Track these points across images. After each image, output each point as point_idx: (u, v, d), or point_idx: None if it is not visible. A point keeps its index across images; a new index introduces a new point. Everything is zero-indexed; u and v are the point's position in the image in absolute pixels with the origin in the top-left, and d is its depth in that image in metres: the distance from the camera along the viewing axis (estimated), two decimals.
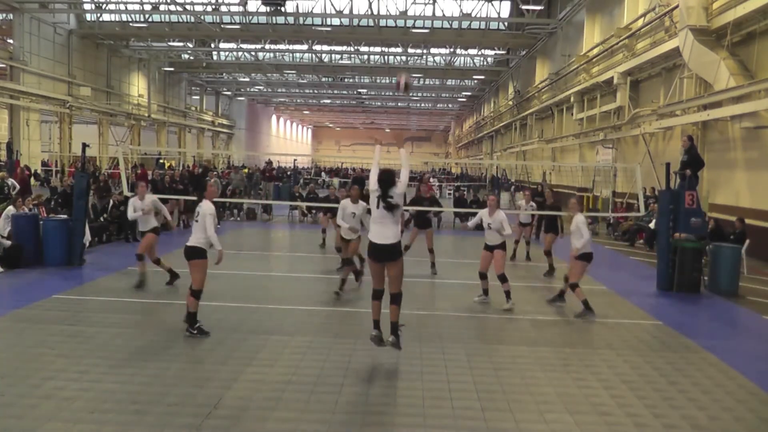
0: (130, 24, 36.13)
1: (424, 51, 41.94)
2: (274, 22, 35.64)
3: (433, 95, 65.34)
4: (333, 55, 44.14)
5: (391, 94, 64.58)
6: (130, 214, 9.84)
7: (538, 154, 37.48)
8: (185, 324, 7.32)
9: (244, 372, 6.09)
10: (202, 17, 34.18)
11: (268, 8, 32.33)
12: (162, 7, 34.17)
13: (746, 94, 14.54)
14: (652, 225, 15.60)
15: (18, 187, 17.73)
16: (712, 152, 17.23)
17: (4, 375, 5.82)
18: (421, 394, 5.70)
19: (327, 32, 36.71)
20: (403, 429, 4.98)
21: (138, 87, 44.51)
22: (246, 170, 36.81)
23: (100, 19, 36.53)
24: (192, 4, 33.51)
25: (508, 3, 34.91)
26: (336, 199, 13.66)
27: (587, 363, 6.75)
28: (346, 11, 33.35)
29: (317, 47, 41.48)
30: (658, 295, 10.57)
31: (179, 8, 33.36)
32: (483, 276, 9.44)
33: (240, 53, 44.95)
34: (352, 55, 43.62)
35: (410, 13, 33.74)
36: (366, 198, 8.33)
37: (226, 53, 45.79)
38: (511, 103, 45.18)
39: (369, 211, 7.00)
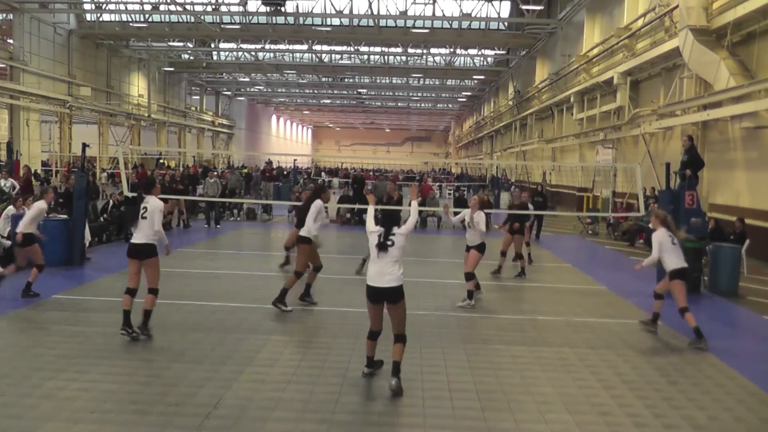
0: (130, 24, 36.14)
1: (424, 51, 41.94)
2: (274, 22, 35.64)
3: (433, 95, 65.34)
4: (333, 55, 44.14)
5: (391, 94, 64.62)
6: None
7: (538, 154, 37.49)
8: (124, 324, 7.03)
9: (244, 372, 6.10)
10: (202, 17, 34.17)
11: (268, 8, 32.34)
12: (162, 7, 34.18)
13: (746, 94, 14.54)
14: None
15: (18, 187, 17.72)
16: (712, 152, 17.23)
17: (4, 375, 5.82)
18: (421, 394, 5.70)
19: (327, 32, 36.71)
20: (403, 429, 4.98)
21: (138, 87, 44.51)
22: (245, 170, 36.82)
23: (100, 19, 36.53)
24: (192, 4, 33.51)
25: (508, 3, 34.91)
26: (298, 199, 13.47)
27: (587, 363, 6.75)
28: (346, 11, 33.35)
29: (317, 47, 41.48)
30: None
31: (179, 8, 33.35)
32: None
33: (240, 53, 44.96)
34: (352, 55, 43.62)
35: (410, 13, 33.74)
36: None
37: (226, 53, 45.80)
38: (511, 103, 45.18)
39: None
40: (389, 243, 5.81)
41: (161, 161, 41.32)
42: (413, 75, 49.70)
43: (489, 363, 6.66)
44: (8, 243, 11.10)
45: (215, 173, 22.39)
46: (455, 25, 35.68)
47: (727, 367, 6.73)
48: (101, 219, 15.03)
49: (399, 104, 73.90)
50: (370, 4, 33.06)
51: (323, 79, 54.17)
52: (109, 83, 40.27)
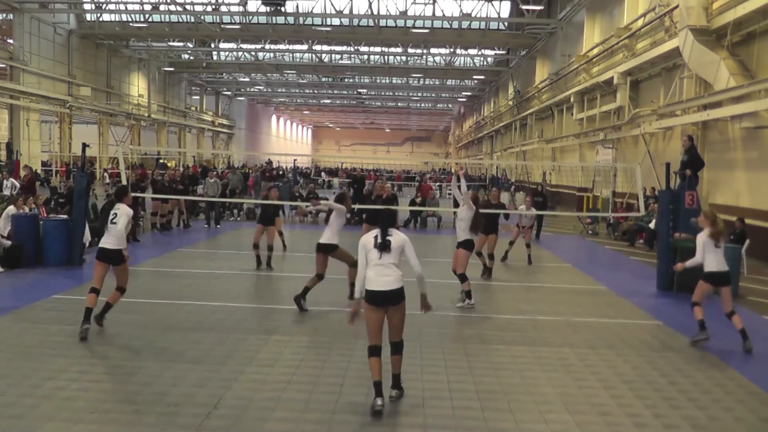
0: (130, 24, 36.16)
1: (424, 51, 41.95)
2: (274, 22, 35.66)
3: (433, 95, 65.35)
4: (333, 55, 44.16)
5: (391, 94, 64.64)
6: None
7: (538, 154, 37.49)
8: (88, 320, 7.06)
9: (244, 372, 6.09)
10: (202, 17, 34.19)
11: (268, 8, 32.36)
12: (162, 7, 34.21)
13: (746, 94, 14.54)
14: (652, 225, 15.59)
15: (18, 186, 17.74)
16: (712, 152, 17.23)
17: (4, 375, 5.82)
18: (421, 394, 5.69)
19: (327, 32, 36.73)
20: (403, 429, 4.98)
21: (138, 87, 44.53)
22: (244, 170, 36.82)
23: (100, 19, 36.56)
24: (192, 4, 33.52)
25: (508, 3, 34.93)
26: (266, 197, 13.67)
27: (587, 363, 6.75)
28: (346, 11, 33.36)
29: (317, 47, 41.50)
30: (658, 295, 10.57)
31: (179, 8, 33.38)
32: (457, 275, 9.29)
33: (240, 53, 44.98)
34: (352, 55, 43.65)
35: (410, 13, 33.76)
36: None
37: (226, 53, 45.82)
38: (511, 103, 45.19)
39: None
40: (389, 241, 5.52)
41: (161, 161, 41.35)
42: (413, 75, 49.72)
43: (489, 363, 6.66)
44: (8, 243, 11.11)
45: (215, 173, 22.40)
46: (455, 25, 35.69)
47: (727, 367, 6.73)
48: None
49: (399, 104, 73.96)
50: (370, 4, 33.07)
51: (323, 79, 54.20)
52: (109, 83, 40.29)
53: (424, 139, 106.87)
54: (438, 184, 37.92)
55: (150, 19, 36.39)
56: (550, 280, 11.84)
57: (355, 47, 41.03)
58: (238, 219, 20.87)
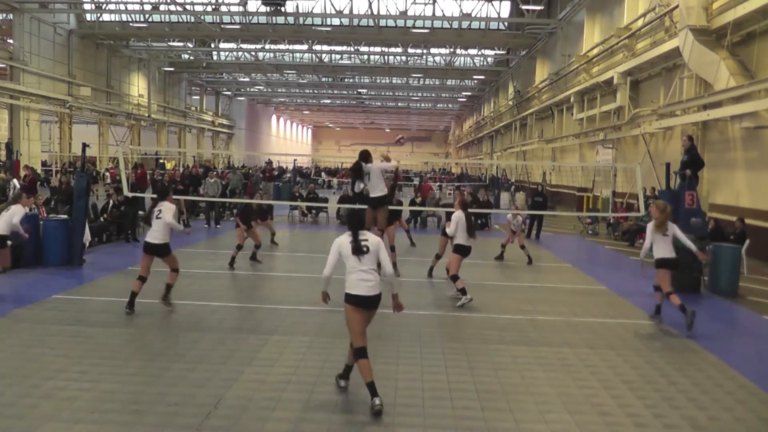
0: (130, 24, 36.15)
1: (424, 51, 41.94)
2: (274, 22, 35.65)
3: (433, 95, 65.35)
4: (333, 55, 44.15)
5: (391, 94, 64.63)
6: None
7: (538, 154, 37.49)
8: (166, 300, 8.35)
9: (244, 372, 6.10)
10: (202, 17, 34.18)
11: (268, 8, 32.34)
12: (162, 7, 34.20)
13: (746, 94, 14.54)
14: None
15: (19, 186, 17.72)
16: (712, 152, 17.23)
17: (4, 375, 5.82)
18: (421, 394, 5.70)
19: (327, 32, 36.72)
20: (403, 429, 4.98)
21: (138, 87, 44.53)
22: (244, 170, 36.84)
23: (100, 19, 36.55)
24: (192, 4, 33.52)
25: (508, 3, 34.91)
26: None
27: (587, 363, 6.75)
28: (346, 11, 33.36)
29: (317, 47, 41.49)
30: None
31: (179, 8, 33.36)
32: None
33: (240, 53, 44.97)
34: (352, 55, 43.63)
35: (410, 13, 33.75)
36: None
37: (226, 53, 45.81)
38: (511, 103, 45.19)
39: None
40: (364, 245, 5.47)
41: (161, 161, 41.38)
42: (413, 75, 49.71)
43: (489, 363, 6.66)
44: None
45: (215, 173, 22.40)
46: (455, 25, 35.69)
47: (727, 367, 6.73)
48: (101, 219, 15.03)
49: (399, 104, 73.91)
50: (370, 4, 33.07)
51: (323, 79, 54.18)
52: (109, 83, 40.29)
53: (424, 139, 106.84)
54: (438, 184, 37.93)
55: (150, 19, 36.38)
56: (550, 280, 11.84)
57: (355, 47, 41.03)
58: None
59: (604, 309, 9.41)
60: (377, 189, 9.76)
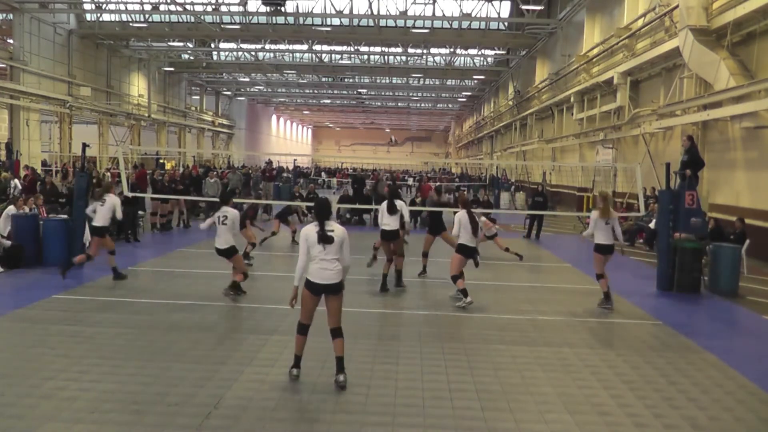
0: (130, 24, 36.12)
1: (424, 51, 41.93)
2: (274, 22, 35.64)
3: (433, 95, 65.34)
4: (333, 55, 44.14)
5: (391, 94, 64.62)
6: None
7: (538, 154, 37.49)
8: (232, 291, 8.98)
9: (244, 372, 6.10)
10: (202, 17, 34.17)
11: (268, 8, 32.32)
12: (162, 7, 34.17)
13: (746, 94, 14.54)
14: (652, 225, 15.60)
15: (20, 187, 17.74)
16: (712, 152, 17.23)
17: (4, 375, 5.82)
18: (421, 394, 5.70)
19: (327, 32, 36.70)
20: (403, 429, 4.98)
21: (138, 87, 44.51)
22: (245, 170, 36.82)
23: (100, 19, 36.52)
24: (192, 4, 33.50)
25: (508, 3, 34.91)
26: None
27: (587, 363, 6.75)
28: (346, 11, 33.34)
29: (317, 47, 41.48)
30: (658, 295, 10.57)
31: (179, 8, 33.35)
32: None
33: (240, 53, 44.96)
34: (352, 55, 43.61)
35: (410, 13, 33.73)
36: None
37: (226, 53, 45.80)
38: (511, 103, 45.19)
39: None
40: (330, 235, 5.74)
41: (161, 161, 41.36)
42: (413, 75, 49.70)
43: (489, 363, 6.66)
44: (8, 243, 11.10)
45: (215, 173, 22.39)
46: (455, 25, 35.67)
47: (727, 367, 6.73)
48: None
49: (399, 104, 73.90)
50: (370, 4, 33.06)
51: (323, 79, 54.17)
52: (109, 83, 40.27)
53: (424, 139, 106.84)
54: (438, 183, 37.89)
55: (150, 19, 36.35)
56: (550, 280, 11.84)
57: (355, 47, 41.01)
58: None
59: (604, 309, 9.40)
60: (392, 224, 10.33)
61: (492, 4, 34.76)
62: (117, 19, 36.68)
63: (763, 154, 14.94)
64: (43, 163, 35.66)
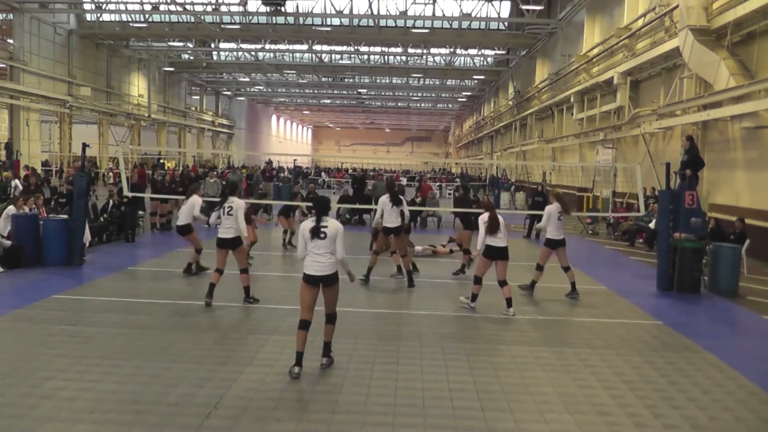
0: (130, 24, 36.13)
1: (424, 51, 41.94)
2: (274, 22, 35.64)
3: (433, 95, 65.34)
4: (333, 55, 44.15)
5: (391, 94, 64.63)
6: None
7: (538, 154, 37.48)
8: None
9: (244, 372, 6.10)
10: (202, 17, 34.17)
11: (268, 8, 32.33)
12: (162, 7, 34.18)
13: (746, 94, 14.53)
14: (652, 225, 15.59)
15: (20, 187, 17.73)
16: (712, 152, 17.23)
17: (4, 375, 5.82)
18: (421, 394, 5.70)
19: (327, 32, 36.72)
20: (403, 429, 4.98)
21: (138, 87, 44.52)
22: (245, 170, 36.83)
23: (100, 19, 36.54)
24: (192, 4, 33.51)
25: (508, 3, 34.91)
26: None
27: (587, 363, 6.75)
28: (346, 11, 33.34)
29: (317, 47, 41.49)
30: (658, 295, 10.57)
31: (179, 8, 33.36)
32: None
33: (240, 53, 44.97)
34: (352, 55, 43.62)
35: (410, 13, 33.74)
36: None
37: (226, 53, 45.81)
38: (511, 103, 45.18)
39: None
40: (323, 231, 6.13)
41: (160, 161, 41.35)
42: (413, 75, 49.70)
43: (489, 363, 6.66)
44: (8, 243, 11.10)
45: (215, 173, 22.38)
46: (455, 25, 35.68)
47: (727, 367, 6.73)
48: (101, 219, 15.03)
49: (399, 104, 73.91)
50: (370, 4, 33.06)
51: (323, 79, 54.18)
52: (109, 83, 40.28)
53: (424, 139, 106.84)
54: (438, 184, 37.93)
55: (150, 19, 36.36)
56: (551, 280, 11.82)
57: (355, 47, 41.02)
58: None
59: (604, 309, 9.41)
60: (394, 220, 10.56)
61: (492, 4, 34.77)
62: (117, 19, 36.69)
63: (763, 154, 14.94)
64: (43, 163, 35.69)
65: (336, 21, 35.75)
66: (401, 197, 10.96)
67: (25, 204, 12.39)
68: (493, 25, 36.29)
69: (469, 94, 60.87)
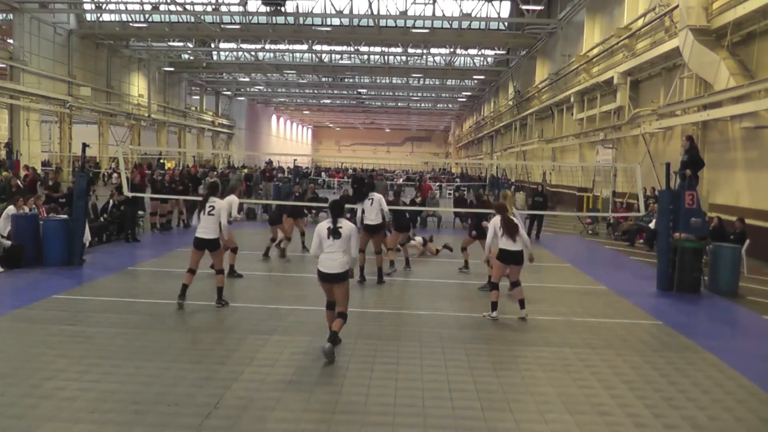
0: (130, 24, 36.14)
1: (424, 51, 41.94)
2: (274, 22, 35.65)
3: (433, 95, 65.34)
4: (333, 55, 44.15)
5: (391, 94, 64.62)
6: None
7: (538, 154, 37.48)
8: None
9: (244, 372, 6.09)
10: (202, 17, 34.18)
11: (268, 8, 32.33)
12: (162, 7, 34.19)
13: (746, 94, 14.53)
14: (652, 225, 15.59)
15: (21, 187, 17.71)
16: (712, 152, 17.23)
17: (4, 375, 5.82)
18: (421, 394, 5.70)
19: (327, 32, 36.72)
20: (403, 429, 4.98)
21: (138, 87, 44.52)
22: (245, 170, 36.83)
23: (100, 19, 36.55)
24: (192, 4, 33.51)
25: (508, 3, 34.92)
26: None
27: (587, 363, 6.75)
28: (346, 11, 33.35)
29: (317, 47, 41.49)
30: (658, 295, 10.57)
31: (179, 8, 33.36)
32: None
33: (240, 53, 44.96)
34: (352, 55, 43.62)
35: (410, 13, 33.75)
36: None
37: (226, 53, 45.81)
38: (511, 103, 45.18)
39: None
40: (339, 230, 6.60)
41: (160, 161, 41.37)
42: (413, 75, 49.70)
43: (489, 363, 6.66)
44: (8, 243, 11.10)
45: (215, 173, 22.38)
46: (455, 25, 35.69)
47: (727, 367, 6.73)
48: (101, 219, 15.03)
49: (399, 104, 73.90)
50: (370, 4, 33.06)
51: (323, 79, 54.18)
52: (109, 83, 40.28)
53: (424, 139, 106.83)
54: (438, 184, 37.92)
55: (150, 19, 36.36)
56: (550, 280, 11.84)
57: (355, 47, 41.02)
58: (238, 219, 20.82)
59: (604, 309, 9.41)
60: (374, 218, 10.71)
61: (492, 4, 34.78)
62: (117, 19, 36.70)
63: (763, 154, 14.94)
64: (43, 163, 35.70)
65: (336, 21, 35.76)
66: (374, 194, 10.84)
67: (25, 204, 12.39)
68: (493, 25, 36.30)
69: (469, 94, 60.87)
